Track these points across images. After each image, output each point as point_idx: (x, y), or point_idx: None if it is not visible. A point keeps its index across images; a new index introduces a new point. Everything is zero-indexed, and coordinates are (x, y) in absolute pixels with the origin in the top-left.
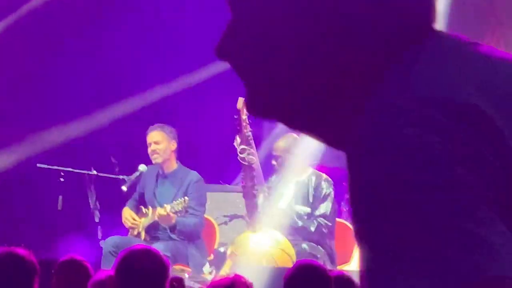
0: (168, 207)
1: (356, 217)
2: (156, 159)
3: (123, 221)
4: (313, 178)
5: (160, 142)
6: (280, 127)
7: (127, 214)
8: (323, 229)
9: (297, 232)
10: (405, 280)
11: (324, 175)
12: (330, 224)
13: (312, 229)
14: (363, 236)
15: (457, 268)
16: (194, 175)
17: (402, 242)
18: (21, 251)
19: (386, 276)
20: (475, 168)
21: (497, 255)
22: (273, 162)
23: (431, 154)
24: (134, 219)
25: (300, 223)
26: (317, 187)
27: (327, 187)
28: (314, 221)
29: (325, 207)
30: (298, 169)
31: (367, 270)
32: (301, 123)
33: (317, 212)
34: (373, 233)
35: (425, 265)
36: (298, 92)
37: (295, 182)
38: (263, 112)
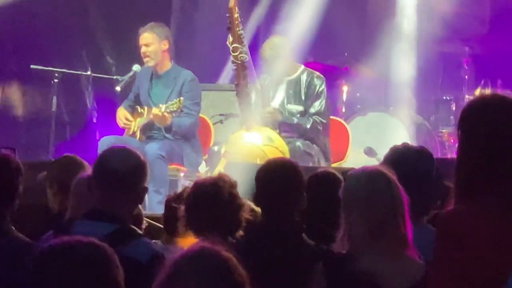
0: (163, 107)
1: None
2: (147, 62)
3: (117, 121)
4: (304, 76)
5: (150, 44)
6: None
7: (121, 114)
8: (318, 126)
9: (291, 129)
10: None
11: (316, 72)
12: (324, 121)
13: (308, 126)
14: None
15: None
16: (188, 74)
17: None
18: (4, 152)
19: None
20: None
21: None
22: (263, 65)
23: None
24: (127, 119)
25: (295, 120)
26: (309, 85)
27: (319, 84)
28: (310, 118)
29: (319, 104)
30: (288, 68)
31: None
32: None
33: (312, 110)
34: None
35: None
36: None
37: (286, 81)
38: None
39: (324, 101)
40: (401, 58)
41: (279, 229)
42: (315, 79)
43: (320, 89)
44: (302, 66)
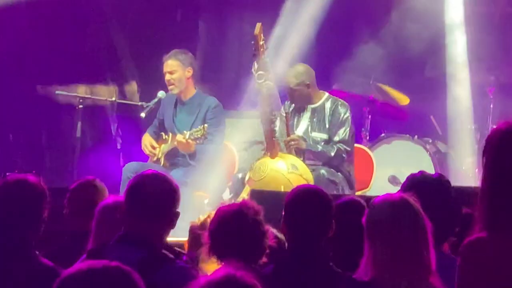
0: (187, 134)
1: None
2: (172, 90)
3: (142, 147)
4: (329, 104)
5: (175, 71)
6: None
7: (147, 141)
8: (342, 154)
9: (316, 157)
10: None
11: (340, 100)
12: (349, 149)
13: (332, 153)
14: None
15: None
16: (212, 101)
17: None
18: (30, 177)
19: None
20: None
21: None
22: (287, 93)
23: None
24: (152, 147)
25: (319, 148)
26: (333, 113)
27: (344, 112)
28: (334, 146)
29: (343, 132)
30: (312, 96)
31: None
32: None
33: (336, 138)
34: None
35: None
36: None
37: (310, 108)
38: None
39: (348, 129)
40: (456, 89)
41: (306, 257)
42: (339, 107)
43: (345, 116)
44: (326, 94)
